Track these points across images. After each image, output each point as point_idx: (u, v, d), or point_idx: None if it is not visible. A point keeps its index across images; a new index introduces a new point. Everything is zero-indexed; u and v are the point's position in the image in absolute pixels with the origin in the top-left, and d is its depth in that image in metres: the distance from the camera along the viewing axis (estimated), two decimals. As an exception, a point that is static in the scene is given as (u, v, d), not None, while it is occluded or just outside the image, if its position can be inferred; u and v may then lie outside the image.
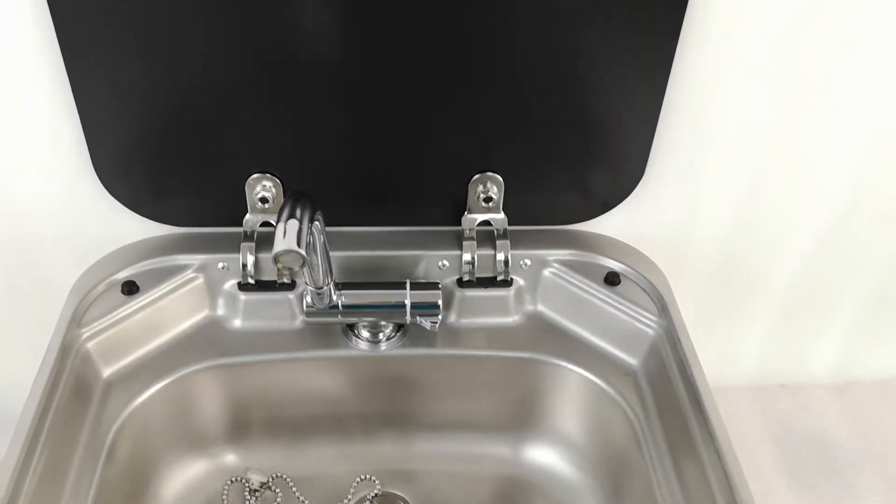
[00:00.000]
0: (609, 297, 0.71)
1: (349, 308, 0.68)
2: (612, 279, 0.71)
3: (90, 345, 0.65)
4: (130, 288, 0.68)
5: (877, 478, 0.85)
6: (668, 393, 0.66)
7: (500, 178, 0.70)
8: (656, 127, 0.68)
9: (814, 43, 0.65)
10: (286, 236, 0.53)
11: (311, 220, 0.55)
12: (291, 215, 0.54)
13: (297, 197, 0.56)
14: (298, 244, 0.52)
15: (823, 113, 0.70)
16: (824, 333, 0.89)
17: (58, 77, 0.62)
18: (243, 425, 0.72)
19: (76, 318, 0.65)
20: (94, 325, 0.65)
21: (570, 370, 0.70)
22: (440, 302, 0.68)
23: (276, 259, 0.53)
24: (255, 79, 0.63)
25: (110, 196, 0.68)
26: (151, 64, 0.61)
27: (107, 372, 0.66)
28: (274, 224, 0.68)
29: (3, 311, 0.76)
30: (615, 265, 0.72)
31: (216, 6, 0.58)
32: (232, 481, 0.72)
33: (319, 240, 0.61)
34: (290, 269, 0.54)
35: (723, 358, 0.89)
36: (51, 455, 0.58)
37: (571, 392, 0.71)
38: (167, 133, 0.65)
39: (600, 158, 0.70)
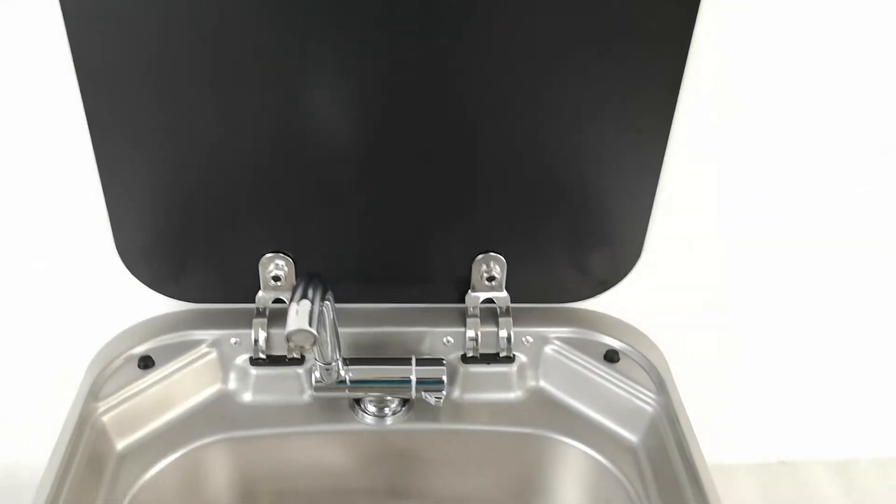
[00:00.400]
0: (609, 375, 0.73)
1: (356, 383, 0.70)
2: (611, 356, 0.74)
3: (105, 418, 0.67)
4: (146, 362, 0.70)
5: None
6: (668, 470, 0.67)
7: (503, 258, 0.73)
8: (651, 211, 0.72)
9: (799, 142, 0.69)
10: (298, 316, 0.55)
11: (323, 300, 0.58)
12: (304, 296, 0.57)
13: (309, 278, 0.59)
14: (310, 324, 0.55)
15: (810, 203, 0.73)
16: (823, 410, 0.91)
17: (86, 161, 0.66)
18: (253, 498, 0.74)
19: (93, 392, 0.67)
20: (111, 398, 0.68)
21: (572, 446, 0.72)
22: (444, 378, 0.71)
23: (288, 338, 0.55)
24: (269, 165, 0.66)
25: (130, 274, 0.72)
26: (173, 150, 0.65)
27: (121, 445, 0.68)
28: (285, 301, 0.72)
29: (23, 383, 0.79)
30: (614, 343, 0.75)
31: (235, 98, 0.62)
32: (238, 555, 0.73)
33: (329, 317, 0.63)
34: (302, 347, 0.56)
35: (723, 434, 0.91)
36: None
37: (573, 467, 0.72)
38: (186, 215, 0.69)
39: (599, 239, 0.73)
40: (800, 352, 0.84)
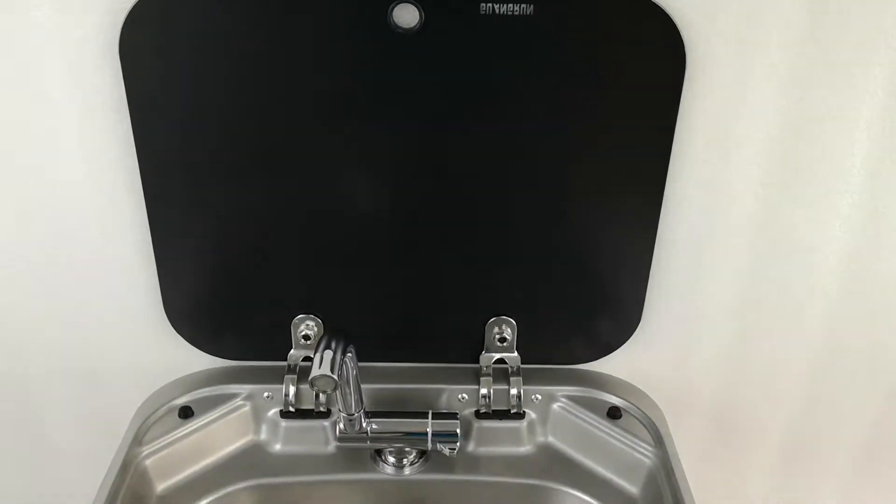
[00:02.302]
0: (611, 430, 0.78)
1: (377, 434, 0.76)
2: (613, 413, 0.79)
3: (148, 462, 0.74)
4: (186, 412, 0.77)
5: None
6: (665, 517, 0.72)
7: (514, 322, 0.80)
8: (648, 279, 0.78)
9: (781, 209, 0.76)
10: (322, 364, 0.62)
11: (345, 353, 0.65)
12: (327, 347, 0.64)
13: (333, 332, 0.66)
14: (332, 370, 0.62)
15: (797, 267, 0.79)
16: (823, 477, 0.94)
17: (142, 232, 0.75)
18: (278, 543, 0.79)
19: (138, 438, 0.74)
20: (153, 444, 0.74)
21: (577, 497, 0.77)
22: (458, 430, 0.76)
23: (312, 383, 0.62)
24: (303, 238, 0.75)
25: (176, 333, 0.79)
26: (219, 224, 0.73)
27: (160, 487, 0.74)
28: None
29: (70, 432, 0.86)
30: (617, 401, 0.80)
31: (279, 180, 0.71)
32: None
33: (352, 372, 0.70)
34: (324, 391, 0.63)
35: (728, 498, 0.94)
36: None
37: (577, 516, 0.77)
38: (227, 281, 0.77)
39: (601, 307, 0.79)
40: (795, 418, 0.89)
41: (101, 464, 0.88)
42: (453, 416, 0.78)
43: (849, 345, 0.84)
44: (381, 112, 0.68)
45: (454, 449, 0.77)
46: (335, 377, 0.62)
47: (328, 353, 0.63)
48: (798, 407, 0.87)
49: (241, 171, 0.71)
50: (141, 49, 0.65)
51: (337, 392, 0.73)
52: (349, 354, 0.67)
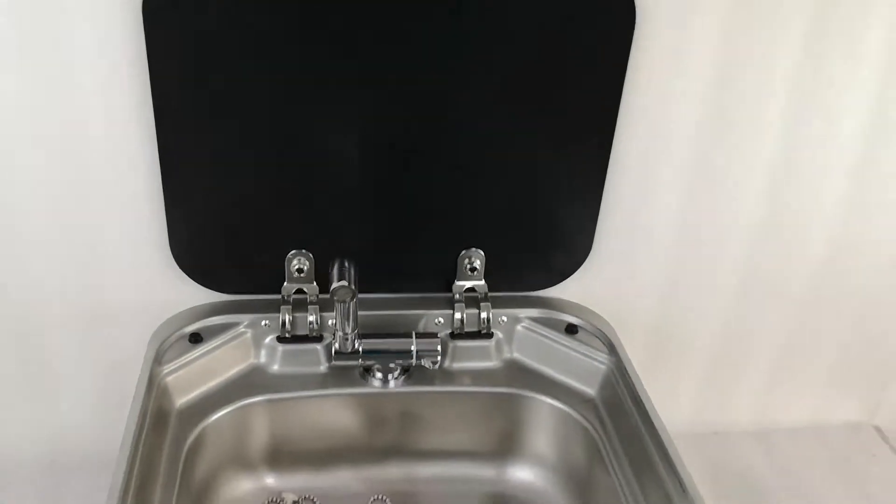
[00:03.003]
0: (569, 344, 0.91)
1: (368, 352, 0.87)
2: (571, 329, 0.92)
3: (168, 380, 0.82)
4: (196, 338, 0.86)
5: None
6: (621, 413, 0.84)
7: (482, 253, 0.91)
8: (598, 216, 0.91)
9: (711, 151, 0.90)
10: (339, 278, 0.73)
11: (355, 273, 0.76)
12: (342, 266, 0.74)
13: (342, 256, 0.76)
14: (350, 283, 0.72)
15: (724, 202, 0.93)
16: (744, 386, 1.09)
17: (151, 175, 0.83)
18: (280, 453, 0.89)
19: (157, 358, 0.83)
20: (170, 365, 0.83)
21: (542, 401, 0.89)
22: (439, 347, 0.88)
23: (333, 293, 0.72)
24: (295, 181, 0.84)
25: (180, 270, 0.88)
26: (222, 174, 0.82)
27: (179, 402, 0.83)
28: (306, 292, 0.89)
29: (75, 364, 0.93)
30: (573, 319, 0.93)
31: (277, 128, 0.80)
32: (270, 501, 0.88)
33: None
34: (343, 301, 0.73)
35: (664, 407, 1.08)
36: (145, 457, 0.74)
37: (544, 419, 0.89)
38: (230, 221, 0.85)
39: (557, 240, 0.92)
40: (720, 333, 1.03)
41: (104, 395, 0.96)
42: (433, 335, 0.89)
43: (766, 269, 0.99)
44: (363, 67, 0.79)
45: (436, 362, 0.88)
46: (353, 287, 0.72)
47: (344, 269, 0.74)
48: (723, 320, 1.02)
49: (247, 119, 0.80)
50: None
51: (337, 314, 0.83)
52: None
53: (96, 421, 0.98)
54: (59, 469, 1.00)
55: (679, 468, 0.75)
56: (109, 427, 0.97)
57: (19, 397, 0.95)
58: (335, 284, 0.72)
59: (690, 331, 1.02)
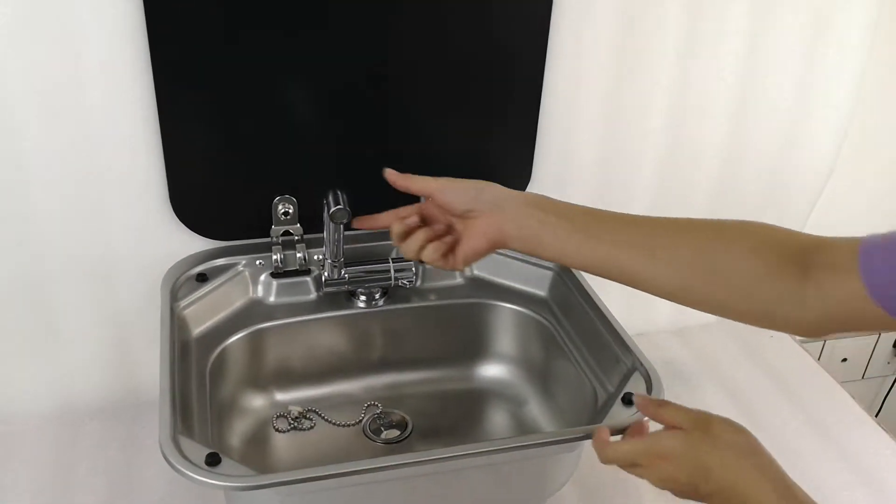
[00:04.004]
0: (520, 256, 1.07)
1: (353, 277, 1.01)
2: (520, 245, 1.08)
3: (185, 312, 0.94)
4: (202, 278, 0.98)
5: (713, 386, 1.23)
6: (571, 306, 1.01)
7: (441, 187, 1.06)
8: (535, 148, 1.08)
9: (622, 81, 1.07)
10: (336, 204, 0.87)
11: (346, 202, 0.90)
12: (335, 194, 0.89)
13: (336, 189, 0.90)
14: (345, 206, 0.86)
15: (636, 128, 1.12)
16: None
17: (152, 139, 0.94)
18: (284, 371, 1.02)
19: (174, 294, 0.94)
20: (184, 300, 0.95)
21: (502, 306, 1.05)
22: (413, 268, 1.03)
23: (333, 216, 0.86)
24: (273, 135, 0.97)
25: (178, 221, 0.99)
26: (217, 135, 0.95)
27: (195, 331, 0.95)
28: (292, 233, 1.02)
29: (89, 314, 1.03)
30: (521, 237, 1.09)
31: (261, 87, 0.93)
32: (277, 415, 1.01)
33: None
34: (342, 222, 0.87)
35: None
36: (181, 380, 0.85)
37: (505, 321, 1.06)
38: (222, 174, 0.98)
39: (503, 171, 1.08)
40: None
41: (111, 346, 1.06)
42: (407, 260, 1.03)
43: (673, 183, 1.18)
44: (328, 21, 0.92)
45: (411, 281, 1.03)
46: (349, 210, 0.86)
47: (340, 197, 0.87)
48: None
49: (233, 76, 0.92)
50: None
51: (328, 243, 0.96)
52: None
53: (105, 371, 1.07)
54: (71, 420, 1.09)
55: (629, 342, 0.91)
56: (118, 377, 1.08)
57: (28, 350, 1.03)
58: (334, 208, 0.86)
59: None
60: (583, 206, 0.79)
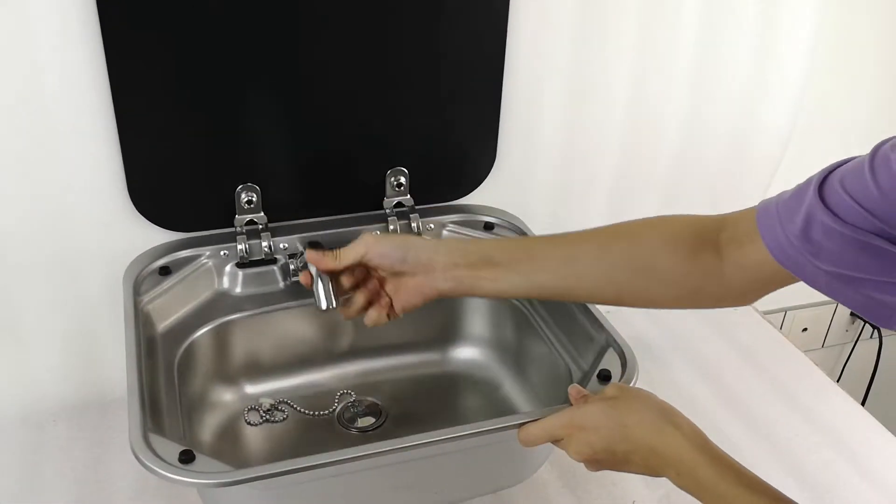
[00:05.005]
0: (489, 237, 1.06)
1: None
2: (488, 226, 1.08)
3: (148, 307, 0.92)
4: (165, 271, 0.96)
5: (682, 362, 1.24)
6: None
7: (406, 170, 1.05)
8: (498, 130, 1.07)
9: (587, 63, 1.07)
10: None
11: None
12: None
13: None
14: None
15: (597, 107, 1.12)
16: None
17: (109, 132, 0.91)
18: (254, 364, 1.00)
19: (136, 289, 0.92)
20: (147, 294, 0.92)
21: (473, 289, 1.05)
22: (381, 254, 1.01)
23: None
24: (234, 123, 0.95)
25: (138, 213, 0.96)
26: (176, 120, 0.92)
27: (160, 327, 0.92)
28: (256, 222, 0.99)
29: (49, 312, 0.99)
30: (489, 219, 1.08)
31: (210, 69, 0.91)
32: (250, 407, 0.99)
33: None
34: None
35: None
36: (148, 378, 0.82)
37: (477, 304, 1.05)
38: (182, 165, 0.95)
39: (467, 155, 1.07)
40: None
41: (73, 343, 1.03)
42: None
43: (635, 159, 1.18)
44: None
45: (380, 268, 1.02)
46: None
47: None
48: (606, 208, 1.21)
49: (198, 59, 0.90)
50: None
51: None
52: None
53: (69, 370, 1.04)
54: (35, 422, 1.05)
55: (602, 320, 0.91)
56: (82, 376, 1.05)
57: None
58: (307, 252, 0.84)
59: (582, 220, 1.20)
60: (507, 241, 0.87)
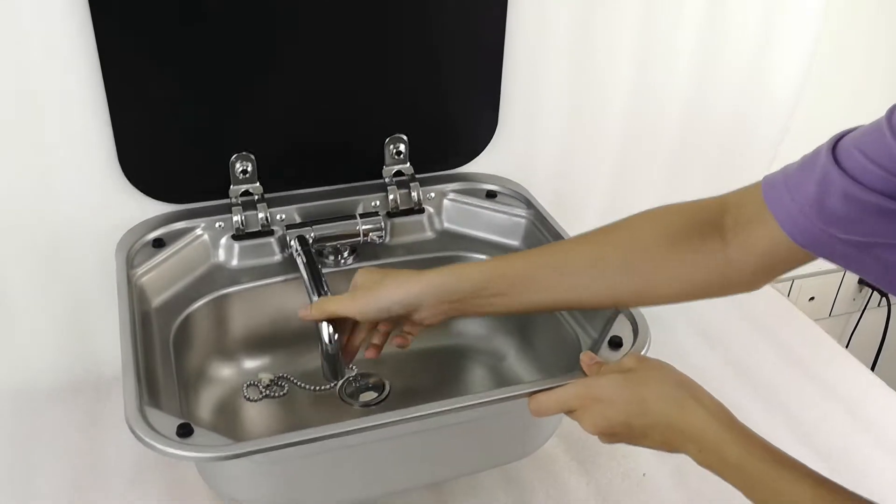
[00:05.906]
0: (491, 206, 1.03)
1: (321, 236, 0.96)
2: (491, 195, 1.05)
3: (142, 280, 0.89)
4: (159, 243, 0.92)
5: (689, 328, 1.21)
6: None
7: (406, 137, 1.02)
8: (500, 97, 1.04)
9: (589, 35, 1.04)
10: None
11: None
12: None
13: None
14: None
15: (600, 77, 1.08)
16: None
17: (98, 100, 0.87)
18: (252, 338, 0.97)
19: (129, 262, 0.89)
20: (141, 267, 0.89)
21: (476, 258, 1.01)
22: (382, 223, 0.98)
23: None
24: (229, 90, 0.91)
25: (130, 184, 0.93)
26: (169, 91, 0.89)
27: (155, 302, 0.89)
28: (252, 192, 0.96)
29: (40, 288, 0.97)
30: (491, 186, 1.05)
31: (200, 36, 0.87)
32: (248, 384, 0.96)
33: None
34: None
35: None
36: (144, 352, 0.79)
37: (479, 274, 1.02)
38: (174, 130, 0.92)
39: (468, 122, 1.04)
40: (609, 191, 1.19)
41: (61, 321, 1.00)
42: (375, 213, 0.99)
43: (639, 129, 1.15)
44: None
45: (381, 237, 0.99)
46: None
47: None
48: (609, 180, 1.18)
49: (188, 21, 0.86)
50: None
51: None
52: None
53: (61, 348, 1.01)
54: (27, 401, 1.03)
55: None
56: (75, 353, 1.03)
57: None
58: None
59: (584, 186, 1.17)
60: (498, 264, 0.79)
